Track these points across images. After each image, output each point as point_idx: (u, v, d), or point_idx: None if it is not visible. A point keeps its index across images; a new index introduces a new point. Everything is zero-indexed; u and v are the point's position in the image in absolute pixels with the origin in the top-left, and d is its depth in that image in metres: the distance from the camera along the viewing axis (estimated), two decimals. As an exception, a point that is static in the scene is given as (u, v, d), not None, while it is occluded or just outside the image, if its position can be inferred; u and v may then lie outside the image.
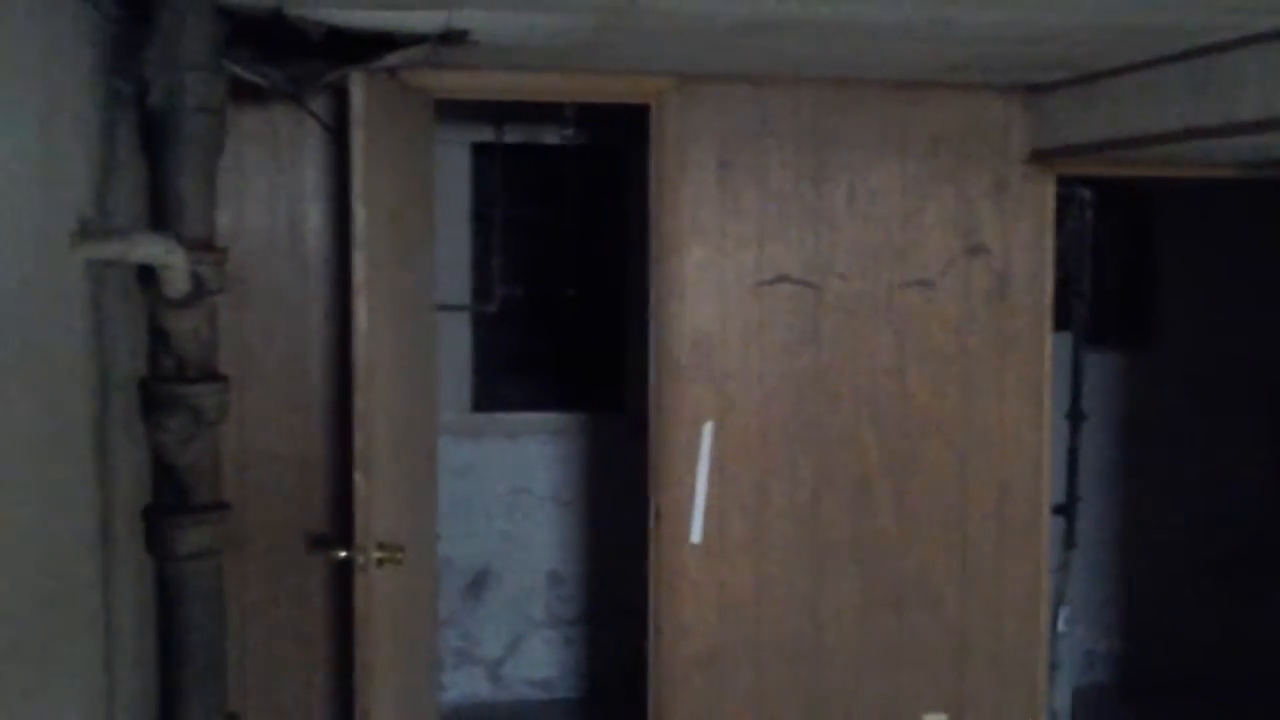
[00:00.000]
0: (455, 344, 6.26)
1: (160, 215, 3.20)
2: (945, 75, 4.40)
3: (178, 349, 3.19)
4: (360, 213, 3.69)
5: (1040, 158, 4.63)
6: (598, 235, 6.59)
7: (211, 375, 3.28)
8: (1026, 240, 4.71)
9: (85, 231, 2.86)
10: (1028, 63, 4.08)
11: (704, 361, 4.55)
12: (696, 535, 4.57)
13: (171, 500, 3.29)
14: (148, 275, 3.10)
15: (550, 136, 6.26)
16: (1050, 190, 4.73)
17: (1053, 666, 5.55)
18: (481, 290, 6.34)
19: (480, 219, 6.32)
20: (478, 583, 6.44)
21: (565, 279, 6.64)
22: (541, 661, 6.55)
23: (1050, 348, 4.79)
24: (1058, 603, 5.96)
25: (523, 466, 6.45)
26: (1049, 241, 4.75)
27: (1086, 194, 5.78)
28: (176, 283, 3.04)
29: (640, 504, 4.70)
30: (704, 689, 4.63)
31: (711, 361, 4.56)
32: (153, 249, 2.95)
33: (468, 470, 6.35)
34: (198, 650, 3.33)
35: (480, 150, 6.30)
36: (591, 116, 5.98)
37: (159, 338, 3.21)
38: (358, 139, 3.68)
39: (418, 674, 4.31)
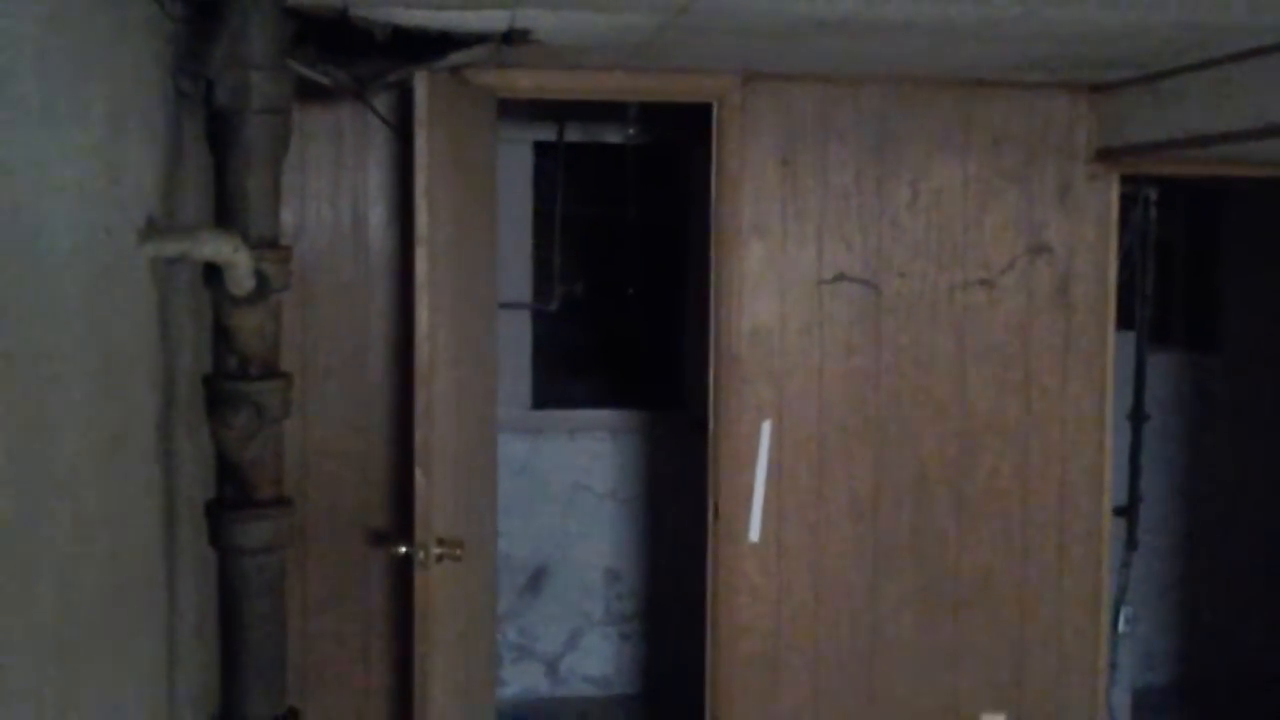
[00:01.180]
0: (516, 341, 6.28)
1: (225, 213, 3.22)
2: (1010, 74, 4.37)
3: (241, 346, 3.21)
4: (423, 211, 3.71)
5: (1105, 157, 4.59)
6: (658, 234, 6.58)
7: (274, 372, 3.30)
8: (1090, 240, 4.68)
9: (152, 229, 2.89)
10: (1094, 61, 4.05)
11: (763, 360, 4.54)
12: (755, 534, 4.57)
13: (234, 496, 3.32)
14: (213, 273, 3.12)
15: (612, 135, 6.27)
16: (1115, 189, 4.70)
17: (1113, 666, 5.51)
18: (542, 288, 6.35)
19: (541, 217, 6.34)
20: (536, 579, 6.46)
21: (625, 277, 6.64)
22: (599, 658, 6.56)
23: (1113, 348, 4.75)
24: (1119, 603, 5.91)
25: (582, 463, 6.46)
26: (1113, 241, 4.72)
27: (1151, 193, 5.73)
28: (241, 280, 3.06)
29: (699, 502, 4.70)
30: (761, 687, 4.62)
31: (771, 360, 4.55)
32: (218, 247, 2.98)
33: (527, 467, 6.36)
34: (259, 645, 3.35)
35: (542, 149, 6.31)
36: (653, 115, 5.98)
37: (223, 335, 3.23)
38: (421, 138, 3.70)
39: (476, 669, 4.33)
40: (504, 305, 5.57)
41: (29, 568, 2.15)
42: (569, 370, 6.62)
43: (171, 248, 2.92)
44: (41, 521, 2.21)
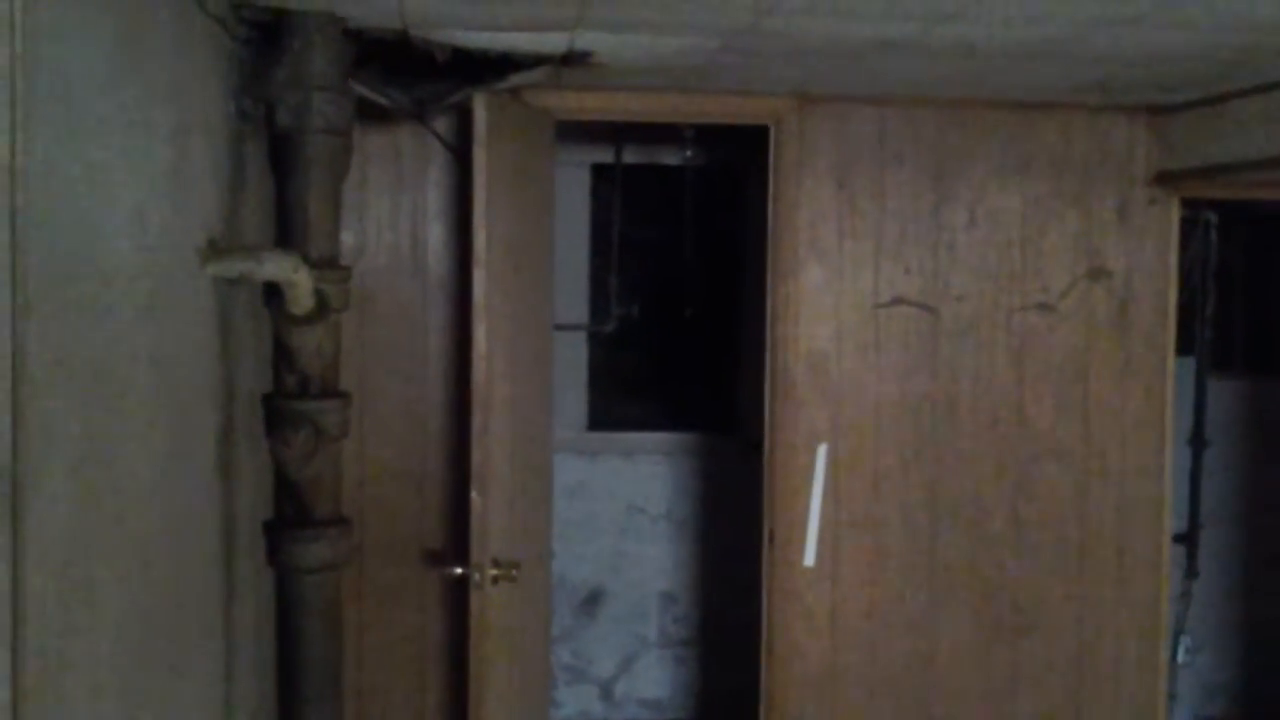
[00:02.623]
0: (572, 363, 6.29)
1: (286, 233, 3.25)
2: (1069, 96, 4.35)
3: (301, 365, 3.24)
4: (481, 232, 3.72)
5: (1165, 180, 4.56)
6: (714, 256, 6.58)
7: (333, 392, 3.32)
8: (1149, 263, 4.65)
9: (214, 249, 2.92)
10: (1153, 83, 4.03)
11: (819, 383, 4.53)
12: (810, 558, 4.55)
13: (292, 514, 3.34)
14: (273, 292, 3.14)
15: (669, 157, 6.28)
16: (1174, 213, 4.66)
17: (1172, 697, 5.46)
18: (599, 310, 6.36)
19: (598, 239, 6.35)
20: (591, 601, 6.45)
21: (682, 299, 6.64)
22: (653, 681, 6.54)
23: (1173, 372, 4.71)
24: (1178, 632, 5.86)
25: (637, 486, 6.46)
26: (1173, 264, 4.68)
27: (1212, 217, 5.69)
28: (301, 300, 3.09)
29: (754, 525, 4.68)
30: (815, 712, 4.60)
31: (827, 383, 4.54)
32: (279, 267, 3.00)
33: (582, 489, 6.36)
34: (315, 663, 3.37)
35: (600, 171, 6.32)
36: (710, 137, 5.98)
37: (283, 354, 3.25)
38: (480, 159, 3.72)
39: (531, 691, 4.32)
40: (560, 327, 5.58)
41: (90, 586, 2.16)
42: (625, 392, 6.62)
43: (233, 267, 2.94)
44: (102, 539, 2.23)
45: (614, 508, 6.43)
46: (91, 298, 2.15)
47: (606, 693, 6.51)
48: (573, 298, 6.24)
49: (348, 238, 4.27)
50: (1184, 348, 5.09)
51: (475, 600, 3.76)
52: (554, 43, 3.47)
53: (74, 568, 2.08)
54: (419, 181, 4.45)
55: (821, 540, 4.55)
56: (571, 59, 3.65)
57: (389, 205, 4.44)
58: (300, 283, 3.04)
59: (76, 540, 2.09)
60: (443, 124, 4.41)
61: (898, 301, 4.55)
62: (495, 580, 3.79)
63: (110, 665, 2.27)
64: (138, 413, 2.43)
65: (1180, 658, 5.87)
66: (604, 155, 6.22)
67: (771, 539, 4.54)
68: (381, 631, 4.49)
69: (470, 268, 3.76)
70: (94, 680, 2.19)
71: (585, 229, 6.32)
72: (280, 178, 3.28)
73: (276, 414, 3.27)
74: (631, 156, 6.25)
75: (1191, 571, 6.00)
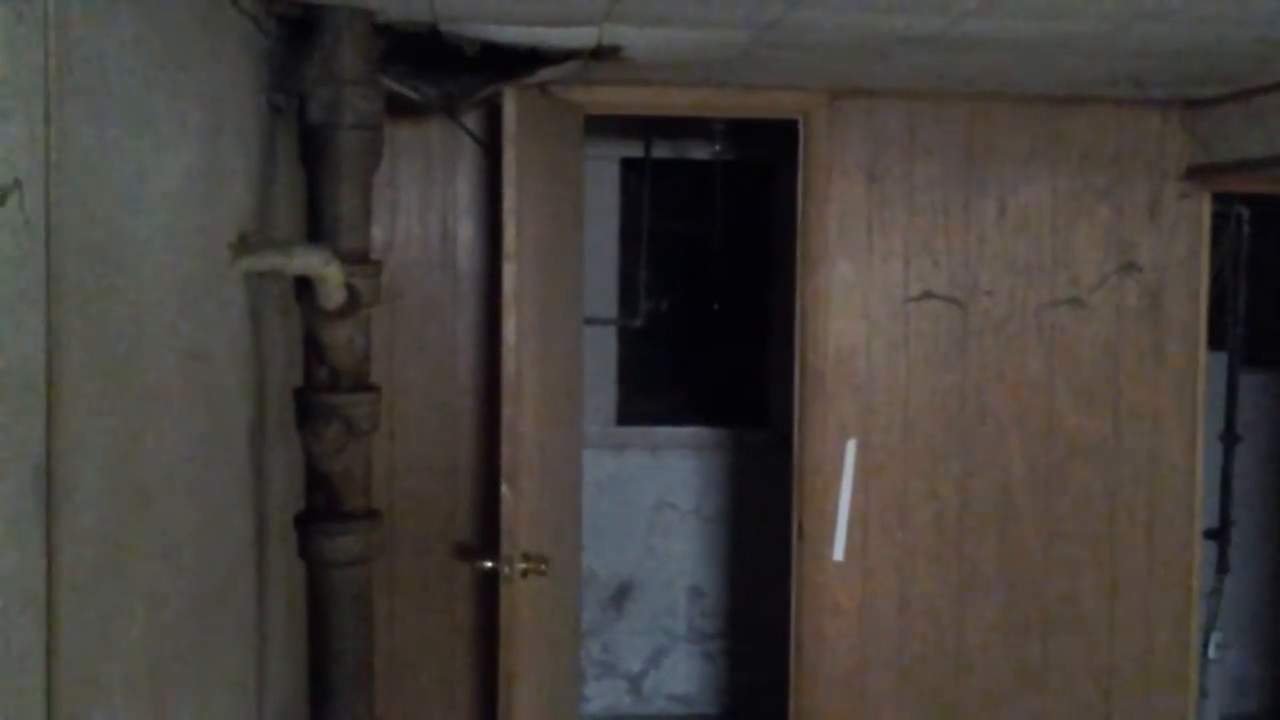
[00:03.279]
0: (601, 357, 6.30)
1: (317, 228, 3.26)
2: (1101, 90, 4.34)
3: (332, 360, 3.25)
4: (511, 227, 3.73)
5: (1197, 174, 4.54)
6: (744, 250, 6.58)
7: (364, 386, 3.33)
8: (1181, 258, 4.63)
9: (245, 243, 2.93)
10: (1186, 77, 4.01)
11: (848, 377, 4.53)
12: (839, 553, 4.55)
13: (323, 507, 3.35)
14: (304, 287, 3.16)
15: (698, 151, 6.28)
16: (1206, 208, 4.64)
17: (1202, 694, 5.43)
18: (628, 304, 6.37)
19: (628, 233, 6.35)
20: (620, 595, 6.46)
21: (711, 294, 6.65)
22: (682, 676, 6.55)
23: (1204, 368, 4.69)
24: (1209, 629, 5.84)
25: (666, 480, 6.46)
26: (1204, 259, 4.66)
27: (1244, 211, 5.66)
28: (332, 295, 3.10)
29: (782, 520, 4.68)
30: (844, 707, 4.60)
31: (856, 378, 4.53)
32: (310, 261, 3.01)
33: (611, 483, 6.37)
34: (346, 656, 3.38)
35: (629, 165, 6.33)
36: (740, 131, 5.99)
37: (314, 348, 3.27)
38: (509, 154, 3.73)
39: (560, 685, 4.34)
40: (590, 321, 5.59)
41: (123, 580, 2.18)
42: (654, 387, 6.63)
43: (265, 262, 2.95)
44: (135, 534, 2.24)
45: (643, 502, 6.44)
46: (124, 293, 2.16)
47: (635, 687, 6.52)
48: (602, 292, 6.25)
49: (378, 233, 4.28)
50: (1215, 342, 5.07)
51: (505, 593, 3.77)
52: (583, 37, 3.48)
53: (108, 563, 2.09)
54: (449, 176, 4.46)
55: (851, 535, 4.55)
56: (600, 53, 3.65)
57: (419, 200, 4.45)
58: (331, 277, 3.05)
59: (110, 535, 2.10)
60: (472, 119, 4.42)
61: (927, 296, 4.55)
62: (525, 574, 3.80)
63: (143, 657, 2.29)
64: (170, 408, 2.45)
65: (1211, 654, 5.84)
66: (633, 150, 6.23)
67: (800, 533, 4.54)
68: (412, 624, 4.51)
69: (500, 262, 3.77)
70: (128, 672, 2.20)
71: (614, 224, 6.33)
72: (311, 172, 3.29)
73: (307, 408, 3.28)
74: (661, 151, 6.26)
75: (1223, 567, 5.97)
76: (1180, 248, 4.63)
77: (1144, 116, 4.57)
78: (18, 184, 1.70)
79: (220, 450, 2.84)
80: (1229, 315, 5.75)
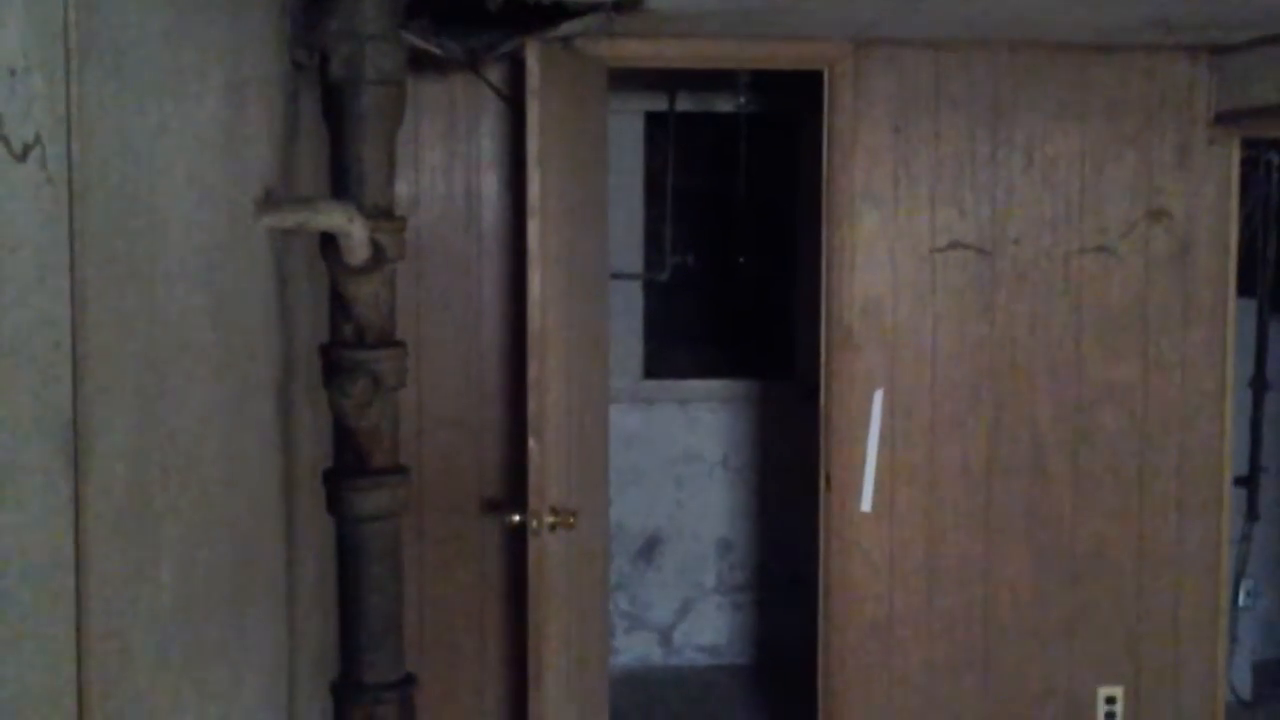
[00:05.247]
0: (627, 312, 6.29)
1: (341, 184, 3.26)
2: (1129, 37, 4.30)
3: (358, 315, 3.25)
4: (535, 182, 3.72)
5: (1225, 120, 4.50)
6: (769, 203, 6.56)
7: (390, 341, 3.34)
8: (1210, 205, 4.59)
9: (269, 200, 2.93)
10: (1215, 21, 3.97)
11: (875, 328, 4.52)
12: (867, 503, 4.55)
13: (351, 463, 3.36)
14: (329, 243, 3.16)
15: (723, 104, 6.25)
16: (1235, 153, 4.60)
17: (1233, 640, 5.43)
18: (654, 258, 6.36)
19: (653, 188, 6.34)
20: (648, 548, 6.48)
21: (737, 247, 6.63)
22: (711, 628, 6.57)
23: (1234, 315, 4.66)
24: (1239, 576, 5.82)
25: (693, 433, 6.47)
26: (1233, 206, 4.62)
27: (1273, 157, 5.62)
28: (357, 250, 3.10)
29: (809, 472, 4.68)
30: (873, 657, 4.61)
31: (883, 328, 4.52)
32: (334, 217, 3.01)
33: (639, 437, 6.38)
34: (376, 610, 3.40)
35: (653, 119, 6.31)
36: (765, 83, 5.95)
37: (339, 304, 3.27)
38: (533, 108, 3.71)
39: (589, 637, 4.35)
40: (615, 276, 5.59)
41: (152, 534, 2.19)
42: (680, 340, 6.62)
43: (289, 218, 2.96)
44: (164, 489, 2.25)
45: (671, 456, 6.45)
46: (148, 250, 2.17)
47: (665, 639, 6.55)
48: (627, 247, 6.24)
49: (402, 189, 4.28)
50: (1245, 289, 5.04)
51: (534, 547, 3.78)
52: (605, -11, 3.46)
53: (136, 520, 2.10)
54: (472, 132, 4.45)
55: (878, 485, 4.55)
56: (623, 6, 3.63)
57: (443, 156, 4.45)
58: (355, 232, 3.06)
59: (138, 490, 2.11)
60: (495, 74, 4.40)
61: (954, 246, 4.53)
62: (553, 527, 3.81)
63: (173, 613, 2.30)
64: (196, 363, 2.45)
65: (1241, 601, 5.84)
66: (658, 103, 6.20)
67: (828, 484, 4.54)
68: (441, 579, 4.53)
69: (525, 217, 3.76)
70: (157, 627, 2.22)
71: (639, 178, 6.32)
72: (334, 129, 3.29)
73: (334, 364, 3.29)
74: (685, 104, 6.23)
75: (1252, 514, 5.95)
76: (1209, 194, 4.59)
77: (1172, 63, 4.53)
78: (39, 140, 1.71)
79: (248, 407, 2.86)
80: (1259, 262, 5.71)
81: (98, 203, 1.92)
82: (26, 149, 1.67)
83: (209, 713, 2.55)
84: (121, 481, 2.03)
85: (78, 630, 1.86)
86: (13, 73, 1.63)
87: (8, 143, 1.62)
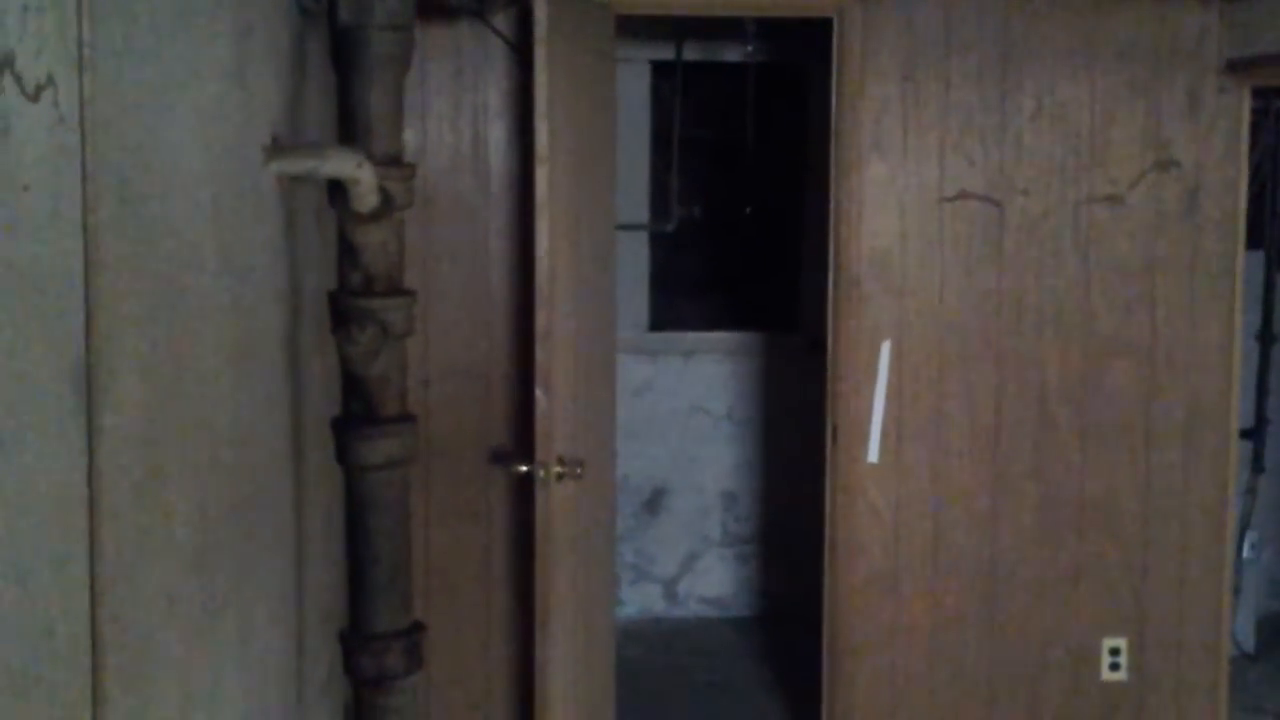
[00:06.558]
0: (633, 263, 6.29)
1: (349, 131, 3.24)
2: (1139, -15, 4.27)
3: (366, 263, 3.24)
4: (542, 130, 3.71)
5: (1236, 68, 4.48)
6: (777, 153, 6.54)
7: (398, 290, 3.32)
8: (1219, 155, 4.57)
9: (277, 147, 2.92)
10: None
11: (883, 279, 4.51)
12: (873, 455, 4.55)
13: (359, 412, 3.35)
14: (337, 190, 3.14)
15: (730, 54, 6.22)
16: (1245, 103, 4.58)
17: (1236, 592, 5.44)
18: (660, 209, 6.35)
19: (659, 138, 6.32)
20: (654, 501, 6.49)
21: (743, 198, 6.61)
22: (716, 580, 6.59)
23: (1242, 266, 4.65)
24: (1243, 528, 5.84)
25: (699, 385, 6.47)
26: (1243, 155, 4.60)
27: (1283, 107, 5.60)
28: (365, 198, 3.08)
29: (815, 423, 4.68)
30: (879, 609, 4.62)
31: (890, 279, 4.51)
32: (342, 164, 3.00)
33: (644, 389, 6.39)
34: (384, 559, 3.40)
35: (660, 69, 6.28)
36: (772, 31, 5.93)
37: (348, 252, 3.26)
38: (540, 56, 3.69)
39: (595, 588, 4.36)
40: (622, 227, 5.57)
41: (163, 481, 2.19)
42: (686, 292, 6.62)
43: (297, 165, 2.94)
44: (174, 435, 2.25)
45: (676, 408, 6.46)
46: (158, 193, 2.16)
47: (670, 591, 6.57)
48: (634, 197, 6.23)
49: (409, 138, 4.26)
50: (1253, 241, 5.02)
51: (540, 497, 3.78)
52: (615, -65, 3.43)
53: (147, 462, 2.10)
54: (480, 80, 4.43)
55: (885, 437, 4.55)
56: (632, -48, 3.61)
57: (450, 104, 4.42)
58: (364, 179, 3.04)
59: (149, 436, 2.11)
60: (503, 21, 4.37)
61: (963, 196, 4.51)
62: (560, 478, 3.81)
63: (183, 558, 2.31)
64: (206, 311, 2.45)
65: (1245, 553, 5.85)
66: (665, 52, 6.18)
67: (834, 436, 4.54)
68: (448, 528, 4.53)
69: (532, 166, 3.74)
70: (168, 572, 2.22)
71: (646, 128, 6.30)
72: (342, 75, 3.27)
73: (342, 311, 3.28)
74: (692, 53, 6.21)
75: (1258, 467, 5.96)
76: (1219, 144, 4.57)
77: (1182, 10, 4.50)
78: (51, 80, 1.70)
79: (256, 354, 2.85)
80: (1267, 212, 5.70)
81: (110, 143, 1.91)
82: (39, 89, 1.66)
83: (220, 659, 2.55)
84: (134, 422, 2.03)
85: (91, 572, 1.86)
86: (25, 9, 1.62)
87: (20, 82, 1.61)
